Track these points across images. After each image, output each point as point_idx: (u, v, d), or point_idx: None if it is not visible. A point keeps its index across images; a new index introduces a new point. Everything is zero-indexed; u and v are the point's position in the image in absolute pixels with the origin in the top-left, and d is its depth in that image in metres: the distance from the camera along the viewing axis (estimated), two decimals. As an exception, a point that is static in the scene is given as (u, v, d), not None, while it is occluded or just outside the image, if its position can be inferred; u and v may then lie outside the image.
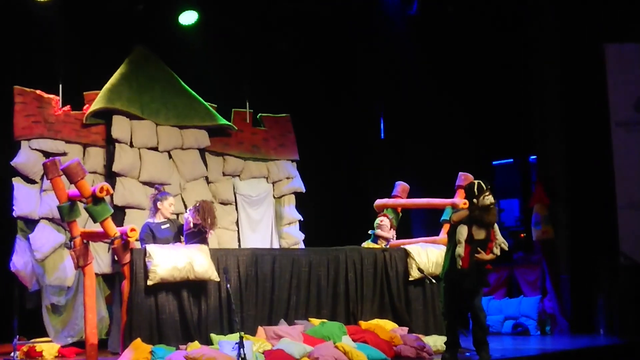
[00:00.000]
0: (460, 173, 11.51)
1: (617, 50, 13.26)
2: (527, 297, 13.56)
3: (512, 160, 16.23)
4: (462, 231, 8.94)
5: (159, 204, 10.05)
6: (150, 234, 9.87)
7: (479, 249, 8.86)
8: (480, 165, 13.83)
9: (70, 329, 11.09)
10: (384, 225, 11.47)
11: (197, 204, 9.93)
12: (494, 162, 16.15)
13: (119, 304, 9.69)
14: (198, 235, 9.77)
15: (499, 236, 9.02)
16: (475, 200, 8.93)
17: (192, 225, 9.77)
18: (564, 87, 13.46)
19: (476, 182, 9.06)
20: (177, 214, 11.21)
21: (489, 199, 8.92)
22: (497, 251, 9.00)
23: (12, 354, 10.09)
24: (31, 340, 10.73)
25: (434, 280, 10.53)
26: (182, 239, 10.02)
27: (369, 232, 11.54)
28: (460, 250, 8.86)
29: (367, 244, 11.34)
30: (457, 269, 8.90)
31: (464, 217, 8.99)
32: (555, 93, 13.58)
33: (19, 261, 10.93)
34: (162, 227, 10.01)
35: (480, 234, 8.92)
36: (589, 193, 13.14)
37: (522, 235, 15.65)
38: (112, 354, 9.77)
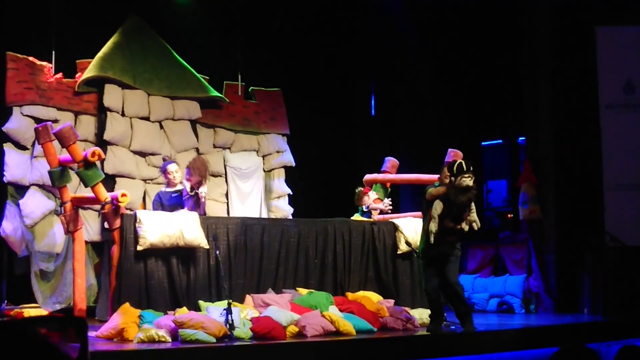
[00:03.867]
0: (449, 150, 11.60)
1: (608, 33, 13.31)
2: (512, 275, 13.64)
3: (501, 141, 16.29)
4: (437, 207, 8.98)
5: (163, 175, 10.31)
6: (159, 203, 10.04)
7: (450, 221, 8.97)
8: (469, 146, 13.85)
9: (58, 295, 11.14)
10: (372, 197, 11.54)
11: (189, 164, 10.11)
12: (483, 143, 16.20)
13: (107, 270, 9.74)
14: (195, 198, 9.94)
15: (473, 214, 9.03)
16: (452, 179, 8.90)
17: (189, 189, 9.91)
18: (555, 68, 13.48)
19: (458, 161, 9.02)
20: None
21: (466, 181, 8.81)
22: (465, 227, 9.03)
23: (-1, 319, 10.16)
24: (19, 306, 10.78)
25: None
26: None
27: (364, 208, 11.54)
28: (433, 226, 8.93)
29: (357, 217, 11.39)
30: (429, 243, 9.04)
31: (441, 194, 9.01)
32: (546, 75, 13.61)
33: (9, 226, 10.95)
34: (173, 195, 10.16)
35: (452, 212, 8.95)
36: (577, 174, 13.20)
37: (509, 215, 15.75)
38: (99, 321, 9.80)
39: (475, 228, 9.13)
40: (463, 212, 8.98)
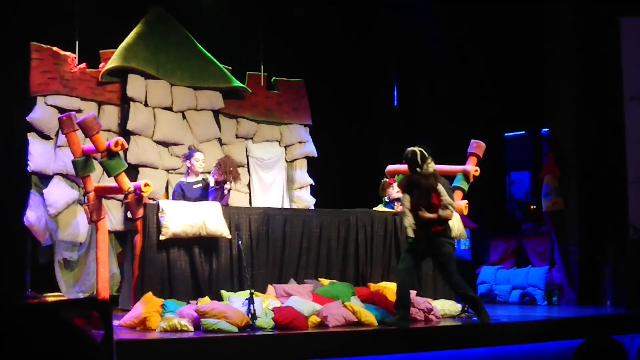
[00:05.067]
0: (472, 140, 11.56)
1: (633, 24, 13.22)
2: (535, 267, 13.60)
3: (524, 132, 16.22)
4: (405, 201, 8.95)
5: (187, 162, 10.33)
6: (181, 193, 10.08)
7: (422, 209, 8.83)
8: (492, 137, 13.80)
9: (81, 284, 11.20)
10: (397, 188, 11.56)
11: (219, 161, 10.18)
12: (505, 134, 16.14)
13: (130, 260, 9.82)
14: (220, 192, 10.01)
15: (445, 197, 8.90)
16: (419, 169, 8.89)
17: (214, 183, 9.97)
18: (579, 59, 13.43)
19: (418, 150, 8.96)
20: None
21: (432, 166, 8.92)
22: (443, 213, 8.86)
23: (24, 307, 10.20)
24: (43, 294, 10.85)
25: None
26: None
27: (385, 198, 11.57)
28: (408, 221, 8.86)
29: (380, 207, 11.39)
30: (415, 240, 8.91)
31: (405, 185, 9.02)
32: (570, 65, 13.55)
33: (33, 216, 11.00)
34: (194, 186, 10.24)
35: (422, 201, 8.86)
36: (600, 166, 13.15)
37: (532, 207, 15.70)
38: (122, 310, 9.87)
39: (452, 210, 9.01)
40: (430, 196, 8.85)
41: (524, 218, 15.53)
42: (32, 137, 11.17)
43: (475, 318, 9.63)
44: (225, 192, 10.10)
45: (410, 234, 8.86)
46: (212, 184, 10.16)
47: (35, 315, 1.56)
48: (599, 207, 13.06)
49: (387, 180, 11.60)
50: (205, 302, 8.59)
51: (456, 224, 10.92)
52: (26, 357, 1.51)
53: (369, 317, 8.97)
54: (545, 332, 9.45)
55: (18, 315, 1.56)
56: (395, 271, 9.50)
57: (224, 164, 10.18)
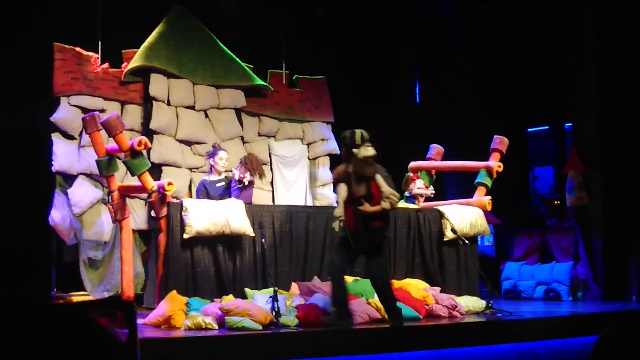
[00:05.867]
0: (495, 136, 11.54)
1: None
2: (559, 263, 13.54)
3: (547, 127, 16.14)
4: (341, 191, 8.23)
5: (211, 160, 10.41)
6: (205, 192, 10.14)
7: (362, 200, 8.18)
8: (515, 132, 13.75)
9: (106, 283, 11.26)
10: (418, 184, 11.54)
11: (244, 158, 10.23)
12: (528, 129, 16.06)
13: (154, 259, 9.85)
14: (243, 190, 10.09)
15: (384, 188, 8.21)
16: (355, 150, 8.19)
17: (237, 180, 10.04)
18: (601, 53, 13.35)
19: (357, 131, 8.26)
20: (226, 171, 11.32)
21: (371, 149, 8.22)
22: (385, 204, 8.21)
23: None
24: (68, 294, 10.93)
25: (467, 242, 10.55)
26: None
27: (406, 193, 11.57)
28: (339, 211, 8.14)
29: (401, 203, 11.38)
30: (346, 231, 8.22)
31: (341, 173, 8.29)
32: (592, 60, 13.47)
33: (57, 215, 11.07)
34: (217, 185, 10.32)
35: (360, 190, 8.20)
36: (624, 160, 13.06)
37: (555, 202, 15.62)
38: (147, 309, 9.90)
39: (396, 200, 8.42)
40: (369, 186, 8.20)
41: (548, 213, 15.46)
42: (56, 137, 11.23)
43: (499, 314, 9.63)
44: (246, 182, 10.17)
45: (337, 227, 8.12)
46: (236, 177, 10.24)
47: (60, 315, 1.57)
48: (623, 202, 12.97)
49: (411, 175, 11.59)
50: (229, 300, 8.60)
51: (479, 220, 10.94)
52: (51, 356, 1.52)
53: (393, 314, 8.95)
54: (570, 328, 9.42)
55: (43, 314, 1.58)
56: (328, 267, 8.92)
57: (249, 161, 10.27)
